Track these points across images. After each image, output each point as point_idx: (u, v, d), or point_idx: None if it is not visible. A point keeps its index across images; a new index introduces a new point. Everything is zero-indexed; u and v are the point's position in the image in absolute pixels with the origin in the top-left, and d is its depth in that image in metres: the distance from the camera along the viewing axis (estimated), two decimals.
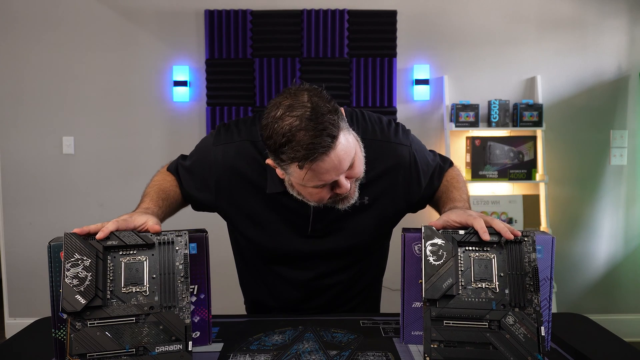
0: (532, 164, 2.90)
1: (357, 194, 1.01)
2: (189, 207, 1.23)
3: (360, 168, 0.98)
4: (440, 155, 1.22)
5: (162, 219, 1.02)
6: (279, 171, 0.98)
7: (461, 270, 0.85)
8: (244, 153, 1.08)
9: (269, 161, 0.97)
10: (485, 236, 0.85)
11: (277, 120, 0.89)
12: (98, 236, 0.82)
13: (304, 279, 1.18)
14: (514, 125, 2.91)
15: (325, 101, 0.90)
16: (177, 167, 1.17)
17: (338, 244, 1.13)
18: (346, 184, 0.95)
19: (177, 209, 1.14)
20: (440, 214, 1.08)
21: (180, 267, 0.84)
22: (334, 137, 0.88)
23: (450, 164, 1.21)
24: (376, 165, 1.07)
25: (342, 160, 0.91)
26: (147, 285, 0.82)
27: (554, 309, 2.81)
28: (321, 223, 1.09)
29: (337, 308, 1.24)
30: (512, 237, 0.85)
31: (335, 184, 0.94)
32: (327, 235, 1.12)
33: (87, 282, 0.79)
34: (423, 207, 1.22)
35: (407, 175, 1.11)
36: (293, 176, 0.94)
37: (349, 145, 0.92)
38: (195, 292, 0.93)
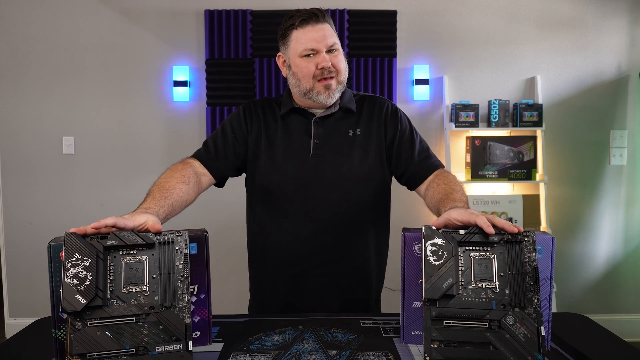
0: (532, 164, 2.91)
1: (338, 93, 1.27)
2: (189, 208, 1.23)
3: (341, 61, 1.26)
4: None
5: (163, 218, 1.02)
6: (283, 67, 1.31)
7: (461, 270, 0.85)
8: (266, 101, 1.38)
9: (279, 54, 1.31)
10: (490, 230, 0.85)
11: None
12: (93, 225, 0.82)
13: (305, 232, 1.29)
14: (513, 125, 2.91)
15: None
16: (205, 143, 1.33)
17: (336, 171, 1.27)
18: (327, 58, 1.22)
19: (182, 206, 1.15)
20: (440, 214, 1.08)
21: (181, 267, 0.84)
22: (325, 16, 1.24)
23: (442, 165, 1.33)
24: (365, 108, 1.34)
25: (327, 35, 1.22)
26: (147, 285, 0.82)
27: (554, 309, 2.81)
28: (321, 149, 1.28)
29: (337, 286, 1.31)
30: (515, 231, 0.85)
31: (320, 60, 1.22)
32: (326, 160, 1.28)
33: (87, 282, 0.79)
34: (398, 175, 1.34)
35: (386, 117, 1.33)
36: (290, 48, 1.25)
37: (334, 34, 1.25)
38: (195, 292, 0.93)
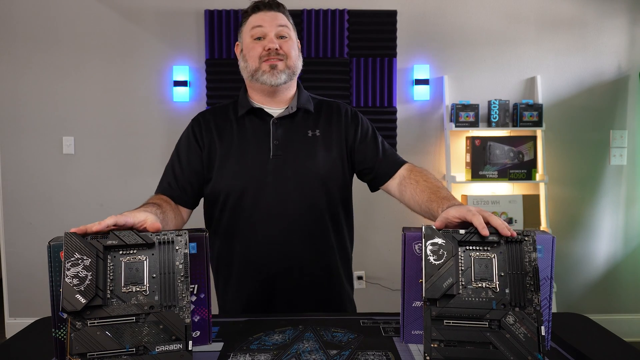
0: (532, 164, 2.91)
1: (285, 76, 1.27)
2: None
3: (292, 48, 1.29)
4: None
5: (160, 221, 1.02)
6: (239, 56, 1.34)
7: (461, 270, 0.85)
8: (217, 109, 1.38)
9: (237, 43, 1.35)
10: (485, 231, 0.85)
11: None
12: (95, 228, 0.81)
13: (271, 236, 1.26)
14: (514, 125, 2.91)
15: None
16: (165, 176, 1.31)
17: (297, 171, 1.26)
18: (274, 40, 1.25)
19: (171, 228, 1.14)
20: (432, 213, 1.09)
21: (180, 266, 0.84)
22: (280, 7, 1.29)
23: (407, 161, 1.33)
24: (323, 110, 1.36)
25: (277, 19, 1.27)
26: (147, 285, 0.82)
27: (554, 309, 2.81)
28: (281, 150, 1.27)
29: (303, 280, 1.29)
30: (508, 234, 0.85)
31: (267, 42, 1.25)
32: (287, 161, 1.26)
33: (87, 282, 0.79)
34: (365, 173, 1.34)
35: (347, 119, 1.35)
36: (244, 32, 1.31)
37: (288, 23, 1.29)
38: (195, 292, 0.93)
